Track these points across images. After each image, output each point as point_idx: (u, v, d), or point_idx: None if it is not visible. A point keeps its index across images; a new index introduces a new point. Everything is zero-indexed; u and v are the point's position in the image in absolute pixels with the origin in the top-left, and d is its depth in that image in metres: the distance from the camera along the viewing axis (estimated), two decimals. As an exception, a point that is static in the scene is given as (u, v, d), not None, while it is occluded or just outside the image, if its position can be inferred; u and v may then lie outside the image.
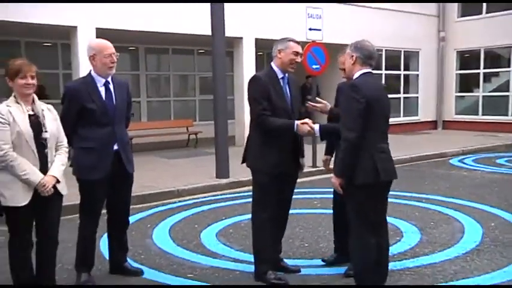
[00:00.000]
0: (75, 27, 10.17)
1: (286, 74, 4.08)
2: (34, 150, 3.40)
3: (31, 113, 3.47)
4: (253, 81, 4.02)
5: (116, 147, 3.96)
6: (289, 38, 4.07)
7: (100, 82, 3.94)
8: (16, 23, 9.59)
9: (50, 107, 3.63)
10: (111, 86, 3.98)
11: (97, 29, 10.20)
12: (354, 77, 3.57)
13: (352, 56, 3.58)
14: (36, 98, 3.55)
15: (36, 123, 3.45)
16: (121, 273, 4.26)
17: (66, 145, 3.66)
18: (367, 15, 14.97)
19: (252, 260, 4.17)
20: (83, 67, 10.12)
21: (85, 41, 10.16)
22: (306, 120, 3.91)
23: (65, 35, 10.62)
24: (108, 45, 3.91)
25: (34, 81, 3.44)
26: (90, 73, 3.97)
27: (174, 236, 5.41)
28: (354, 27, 14.17)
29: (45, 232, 3.55)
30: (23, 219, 3.42)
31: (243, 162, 4.19)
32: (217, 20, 8.13)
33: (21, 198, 3.36)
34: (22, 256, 3.52)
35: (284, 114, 3.96)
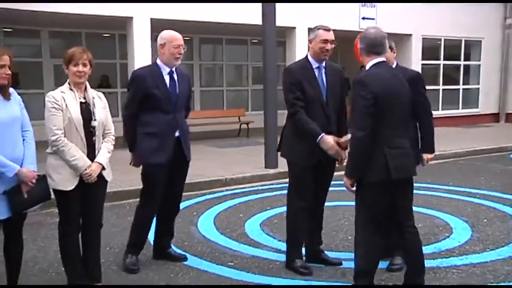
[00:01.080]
0: (131, 17, 10.42)
1: (323, 63, 4.03)
2: (83, 137, 3.51)
3: (83, 100, 3.56)
4: (284, 72, 4.08)
5: (177, 133, 4.11)
6: (319, 26, 4.01)
7: (165, 71, 4.08)
8: (76, 14, 9.94)
9: (101, 94, 3.73)
10: (175, 76, 4.12)
11: (152, 19, 10.42)
12: (366, 68, 3.42)
13: (360, 48, 3.46)
14: (88, 85, 3.64)
15: (87, 111, 3.55)
16: (164, 258, 4.36)
17: (113, 133, 3.76)
18: (425, 5, 14.42)
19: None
20: (138, 57, 10.40)
21: (140, 31, 10.48)
22: (333, 142, 3.80)
23: (122, 25, 10.91)
24: (178, 37, 4.05)
25: (86, 69, 3.52)
26: (156, 62, 4.11)
27: (218, 225, 5.47)
28: (411, 15, 13.73)
29: (90, 216, 3.66)
30: (72, 202, 3.53)
31: (278, 150, 4.27)
32: (268, 10, 8.09)
33: (68, 183, 3.47)
34: (74, 239, 3.64)
35: (317, 104, 3.93)
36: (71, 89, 3.54)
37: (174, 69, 4.10)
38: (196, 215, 5.88)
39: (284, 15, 9.74)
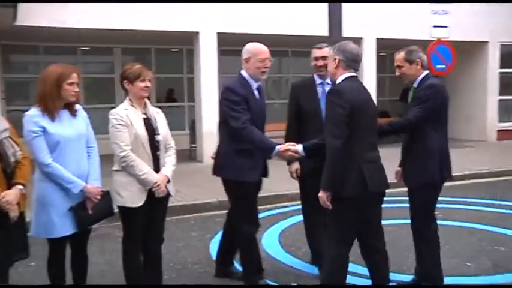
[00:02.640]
0: (197, 32, 10.59)
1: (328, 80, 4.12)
2: (149, 152, 3.52)
3: (144, 116, 3.59)
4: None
5: None
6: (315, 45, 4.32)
7: (254, 85, 3.94)
8: (147, 31, 10.25)
9: (159, 110, 3.74)
10: (260, 91, 4.02)
11: (218, 33, 10.53)
12: (337, 82, 3.33)
13: (335, 58, 3.33)
14: (148, 102, 3.67)
15: (150, 126, 3.57)
16: (226, 276, 4.27)
17: (174, 147, 3.75)
18: (504, 9, 13.63)
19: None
20: (205, 71, 10.55)
21: (206, 46, 10.62)
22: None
23: (189, 40, 11.12)
24: (263, 50, 3.90)
25: (150, 85, 3.57)
26: (242, 75, 3.91)
27: (283, 242, 5.33)
28: (488, 21, 13.02)
29: (153, 231, 3.65)
30: (138, 219, 3.54)
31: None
32: (335, 20, 7.91)
33: (137, 199, 3.48)
34: (137, 255, 3.64)
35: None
36: (133, 106, 3.57)
37: (259, 83, 3.99)
38: (261, 230, 5.72)
39: (351, 25, 9.52)
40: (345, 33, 8.16)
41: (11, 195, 2.84)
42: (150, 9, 9.98)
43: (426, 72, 3.78)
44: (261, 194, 7.08)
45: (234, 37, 10.19)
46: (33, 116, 3.16)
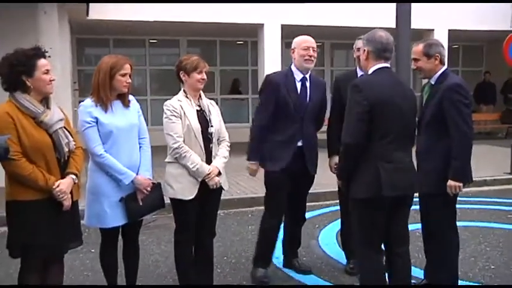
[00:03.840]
0: (262, 24, 10.52)
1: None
2: (201, 144, 3.48)
3: (198, 108, 3.56)
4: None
5: (299, 143, 3.94)
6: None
7: (298, 77, 3.95)
8: (212, 23, 10.31)
9: (213, 102, 3.71)
10: (307, 83, 3.97)
11: (283, 25, 10.41)
12: (369, 73, 3.14)
13: (364, 50, 3.14)
14: (202, 93, 3.64)
15: (203, 118, 3.53)
16: (292, 267, 4.25)
17: (228, 140, 3.69)
18: None
19: (421, 273, 3.81)
20: (268, 63, 10.45)
21: (271, 38, 10.54)
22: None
23: (254, 32, 11.07)
24: (306, 39, 3.93)
25: (205, 77, 3.53)
26: (290, 67, 4.01)
27: (341, 240, 5.14)
28: None
29: (205, 225, 3.61)
30: (189, 212, 3.51)
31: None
32: (403, 11, 7.56)
33: (188, 192, 3.45)
34: (189, 249, 3.62)
35: None
36: (187, 97, 3.55)
37: (308, 76, 3.95)
38: (318, 228, 5.62)
39: (421, 16, 9.11)
40: (414, 24, 7.80)
41: (64, 184, 2.87)
42: (216, 2, 10.01)
43: (444, 67, 3.54)
44: (321, 189, 6.98)
45: (299, 29, 10.00)
46: (87, 106, 3.19)
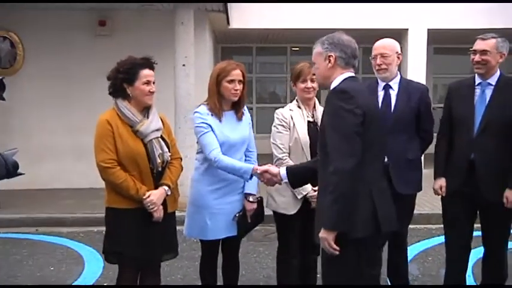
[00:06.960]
0: (406, 29, 9.87)
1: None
2: (308, 157, 3.25)
3: (310, 119, 3.33)
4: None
5: (385, 159, 3.38)
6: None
7: (380, 85, 3.57)
8: (353, 29, 9.90)
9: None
10: (391, 91, 3.53)
11: (429, 30, 9.66)
12: (333, 85, 2.48)
13: (330, 56, 2.50)
14: (317, 103, 3.41)
15: (315, 130, 3.27)
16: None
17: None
18: None
19: None
20: (411, 70, 9.74)
21: (415, 44, 9.82)
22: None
23: (397, 38, 10.40)
24: (375, 46, 3.56)
25: (315, 85, 3.26)
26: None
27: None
28: None
29: (308, 243, 3.33)
30: (292, 228, 3.33)
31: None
32: None
33: (290, 207, 3.28)
34: (293, 268, 3.41)
35: None
36: (299, 107, 3.35)
37: (393, 82, 3.52)
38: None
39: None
40: None
41: (155, 195, 2.84)
42: (357, 8, 9.65)
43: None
44: (420, 210, 6.14)
45: (446, 33, 9.22)
46: (202, 113, 3.12)
